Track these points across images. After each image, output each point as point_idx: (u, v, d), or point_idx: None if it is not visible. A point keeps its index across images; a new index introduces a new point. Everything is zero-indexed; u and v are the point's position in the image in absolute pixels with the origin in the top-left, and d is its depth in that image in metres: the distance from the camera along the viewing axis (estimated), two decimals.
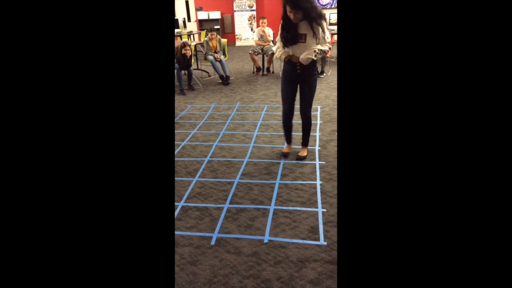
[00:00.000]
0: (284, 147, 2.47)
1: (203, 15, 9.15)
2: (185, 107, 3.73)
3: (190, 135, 2.90)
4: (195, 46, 5.68)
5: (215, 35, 4.79)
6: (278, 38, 2.12)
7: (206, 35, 4.93)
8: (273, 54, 5.06)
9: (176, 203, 1.91)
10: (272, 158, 2.42)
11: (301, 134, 2.38)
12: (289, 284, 1.33)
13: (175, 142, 2.77)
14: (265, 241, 1.58)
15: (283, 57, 2.10)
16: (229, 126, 3.10)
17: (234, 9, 8.82)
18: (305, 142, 2.38)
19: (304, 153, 2.38)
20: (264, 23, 5.00)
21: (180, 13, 9.43)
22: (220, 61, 4.73)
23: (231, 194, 1.98)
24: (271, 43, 5.05)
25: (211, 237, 1.61)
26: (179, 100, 3.99)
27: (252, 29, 8.92)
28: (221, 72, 4.72)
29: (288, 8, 1.90)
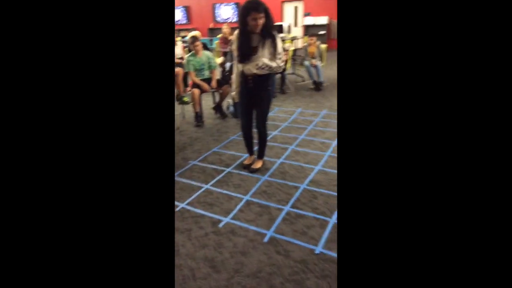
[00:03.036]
0: (246, 159, 2.48)
1: (310, 20, 9.25)
2: (272, 109, 3.89)
3: (270, 136, 3.02)
4: (294, 51, 5.81)
5: (313, 41, 4.81)
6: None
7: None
8: None
9: (242, 196, 2.05)
10: None
11: (259, 147, 2.37)
12: None
13: (255, 141, 2.94)
14: (317, 251, 1.55)
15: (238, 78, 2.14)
16: (310, 132, 3.10)
17: None
18: (260, 155, 2.38)
19: (257, 165, 2.37)
20: None
21: (288, 18, 9.76)
22: (316, 67, 4.73)
23: (294, 198, 2.00)
24: None
25: (265, 234, 1.68)
26: None
27: None
28: (315, 77, 4.72)
29: (253, 14, 1.86)
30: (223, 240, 1.65)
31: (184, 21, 10.93)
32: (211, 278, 1.41)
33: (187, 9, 10.76)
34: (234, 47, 2.08)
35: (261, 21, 1.90)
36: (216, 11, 10.52)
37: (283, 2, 9.53)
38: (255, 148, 2.46)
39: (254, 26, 1.91)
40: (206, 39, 7.51)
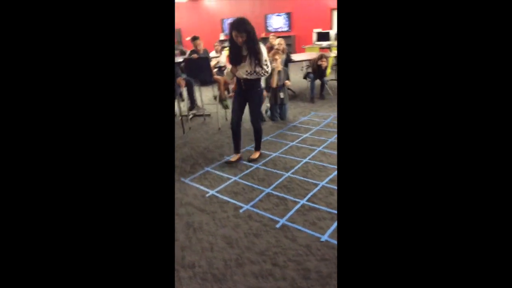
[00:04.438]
0: (232, 157, 2.75)
1: None
2: (308, 113, 4.04)
3: (300, 138, 3.19)
4: (336, 58, 5.85)
5: None
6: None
7: None
8: None
9: (264, 188, 2.27)
10: None
11: (255, 140, 2.75)
12: (325, 280, 1.43)
13: (285, 141, 3.14)
14: (322, 239, 1.70)
15: (228, 77, 2.54)
16: None
17: None
18: (257, 147, 2.78)
19: (255, 156, 2.76)
20: None
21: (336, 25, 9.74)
22: None
23: (311, 193, 2.16)
24: None
25: (278, 221, 1.88)
26: (305, 107, 4.34)
27: None
28: None
29: (234, 33, 2.23)
30: (241, 223, 1.89)
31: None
32: (225, 252, 1.66)
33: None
34: (227, 54, 2.45)
35: (241, 39, 2.26)
36: (268, 21, 10.95)
37: (332, 9, 9.56)
38: (245, 145, 2.78)
39: (237, 41, 2.29)
40: None
